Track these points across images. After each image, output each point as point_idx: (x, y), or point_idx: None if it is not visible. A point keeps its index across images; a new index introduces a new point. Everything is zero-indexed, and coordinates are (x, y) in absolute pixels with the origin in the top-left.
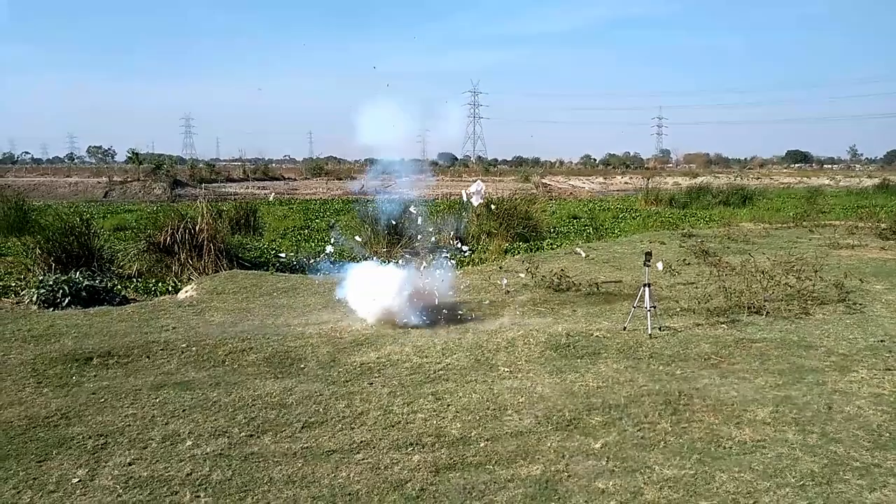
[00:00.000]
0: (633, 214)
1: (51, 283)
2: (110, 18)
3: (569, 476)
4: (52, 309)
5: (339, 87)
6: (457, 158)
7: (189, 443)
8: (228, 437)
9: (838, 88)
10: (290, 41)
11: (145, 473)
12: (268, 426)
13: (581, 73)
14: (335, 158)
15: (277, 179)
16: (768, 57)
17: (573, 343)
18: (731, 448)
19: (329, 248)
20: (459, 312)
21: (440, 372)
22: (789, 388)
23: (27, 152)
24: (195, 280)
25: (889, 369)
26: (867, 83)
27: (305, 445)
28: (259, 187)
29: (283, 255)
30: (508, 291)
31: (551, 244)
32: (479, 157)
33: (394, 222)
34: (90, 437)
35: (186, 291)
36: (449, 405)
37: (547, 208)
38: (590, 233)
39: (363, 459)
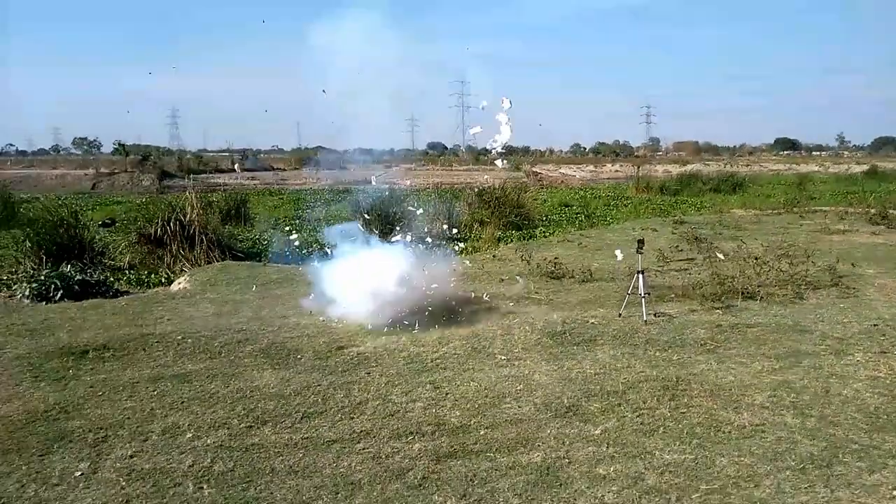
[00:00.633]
0: (625, 202)
1: (42, 277)
2: (93, 8)
3: (569, 462)
4: (44, 303)
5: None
6: (447, 148)
7: (189, 435)
8: (228, 429)
9: (827, 75)
10: (276, 31)
11: (147, 466)
12: (267, 417)
13: (570, 60)
14: (323, 148)
15: (266, 170)
16: (758, 44)
17: (569, 330)
18: (730, 432)
19: (294, 237)
20: (454, 303)
21: (437, 361)
22: (786, 373)
23: (11, 144)
24: (188, 271)
25: (884, 352)
26: (854, 71)
27: (306, 436)
28: (249, 177)
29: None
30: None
31: (544, 232)
32: (469, 146)
33: (387, 211)
34: (90, 431)
35: (179, 283)
36: (447, 394)
37: (538, 196)
38: (582, 220)
39: (364, 449)
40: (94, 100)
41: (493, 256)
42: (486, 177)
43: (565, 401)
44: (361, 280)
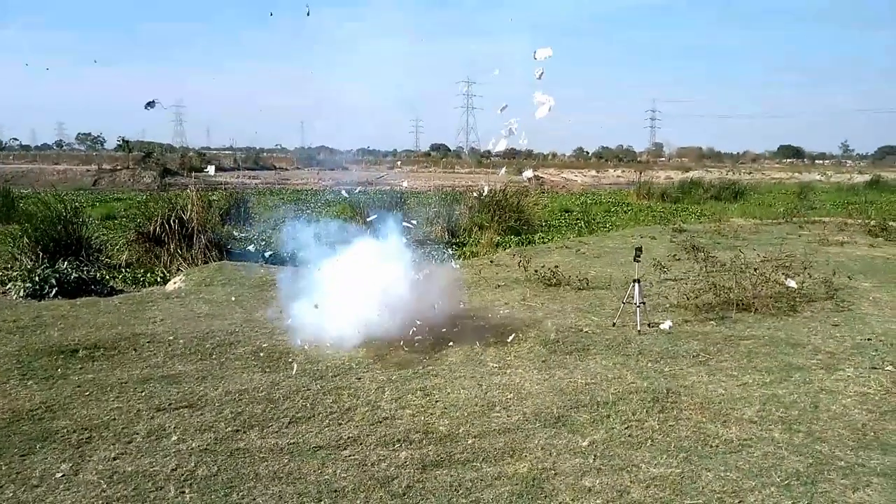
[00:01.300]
0: (625, 208)
1: (37, 274)
2: (102, 4)
3: (556, 474)
4: (38, 300)
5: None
6: (450, 150)
7: (175, 437)
8: (215, 433)
9: (832, 83)
10: (279, 29)
11: (130, 468)
12: (254, 421)
13: (574, 64)
14: (327, 148)
15: (269, 169)
16: (762, 51)
17: (562, 339)
18: (717, 447)
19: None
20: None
21: (429, 367)
22: (776, 387)
23: (15, 139)
24: (184, 271)
25: (875, 368)
26: (860, 79)
27: (292, 441)
28: (250, 176)
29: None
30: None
31: (543, 238)
32: (473, 148)
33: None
34: (75, 431)
35: (175, 283)
36: (437, 401)
37: (539, 202)
38: (581, 227)
39: (350, 456)
40: (98, 95)
41: (491, 262)
42: (483, 184)
43: (555, 411)
44: (351, 295)
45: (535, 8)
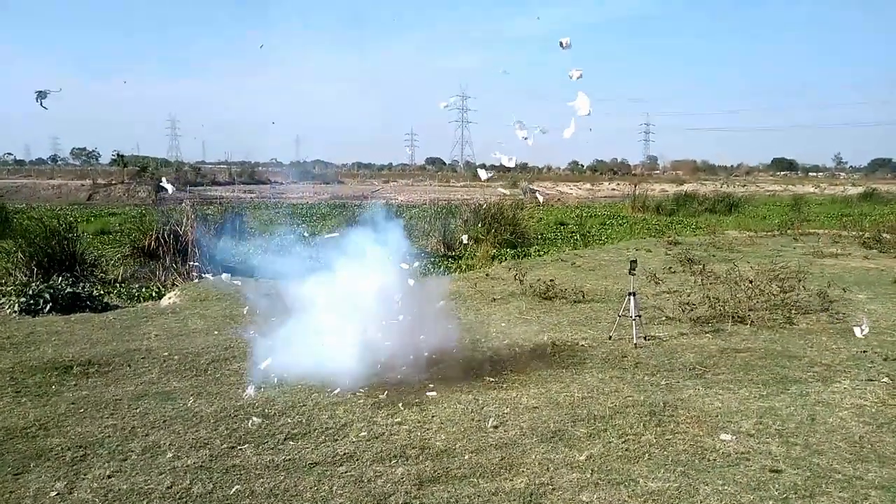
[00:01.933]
0: (620, 221)
1: (32, 289)
2: (95, 17)
3: (553, 489)
4: (32, 315)
5: (326, 91)
6: (445, 163)
7: (170, 455)
8: (210, 449)
9: (824, 96)
10: (278, 44)
11: (125, 486)
12: (250, 437)
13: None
14: (322, 162)
15: (264, 183)
16: (755, 64)
17: (558, 353)
18: (714, 460)
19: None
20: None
21: (426, 381)
22: (773, 399)
23: (9, 153)
24: (179, 286)
25: (871, 380)
26: (853, 91)
27: (288, 457)
28: (245, 191)
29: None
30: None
31: (538, 251)
32: (468, 161)
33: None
34: (69, 449)
35: (170, 298)
36: (434, 416)
37: (534, 215)
38: (577, 240)
39: (346, 472)
40: (93, 108)
41: (487, 275)
42: (479, 196)
43: (551, 425)
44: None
45: (531, 13)
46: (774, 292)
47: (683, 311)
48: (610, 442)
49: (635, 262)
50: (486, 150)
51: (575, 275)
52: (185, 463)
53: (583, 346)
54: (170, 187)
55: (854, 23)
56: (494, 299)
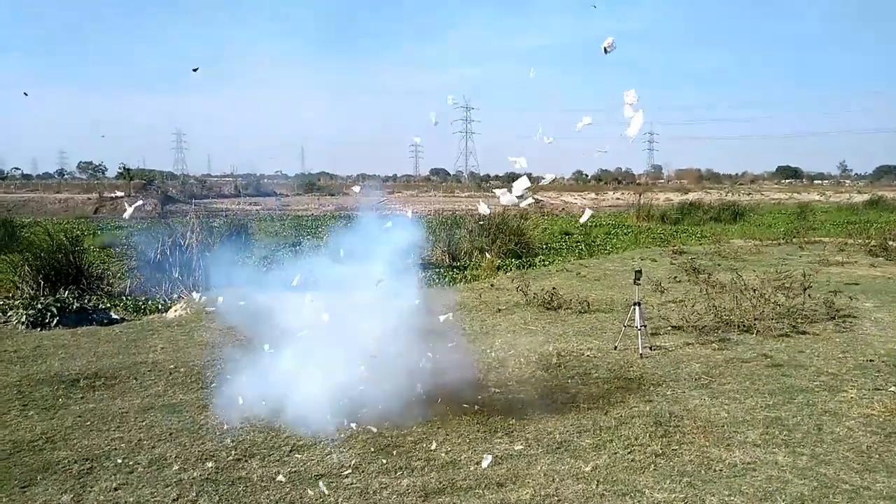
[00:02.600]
0: (625, 230)
1: (39, 303)
2: (101, 32)
3: (559, 500)
4: (39, 329)
5: (330, 104)
6: (449, 174)
7: (176, 467)
8: (216, 462)
9: (829, 104)
10: (280, 57)
11: (131, 499)
12: (255, 450)
13: (572, 87)
14: (327, 174)
15: (269, 195)
16: (759, 72)
17: (564, 363)
18: (721, 471)
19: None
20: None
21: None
22: (779, 409)
23: (17, 168)
24: (185, 298)
25: (878, 389)
26: (857, 98)
27: (294, 469)
28: (251, 203)
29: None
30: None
31: (543, 261)
32: (472, 172)
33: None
34: (76, 462)
35: (175, 310)
36: (439, 427)
37: (539, 224)
38: (582, 249)
39: (352, 484)
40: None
41: (492, 285)
42: (482, 204)
43: (557, 436)
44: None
45: (532, 28)
46: (780, 301)
47: (689, 321)
48: (615, 453)
49: (640, 272)
50: (492, 163)
51: (580, 285)
52: (192, 475)
53: (588, 356)
54: (130, 210)
55: (856, 28)
56: (499, 310)
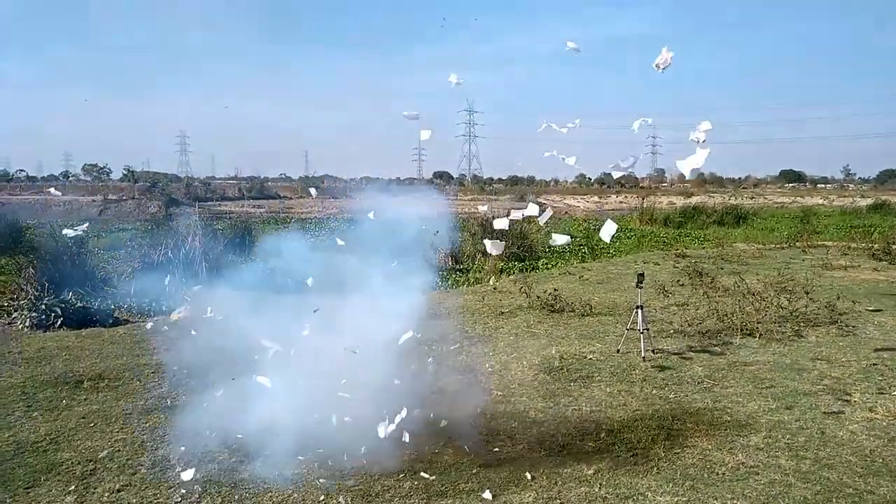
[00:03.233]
0: (628, 234)
1: (43, 305)
2: (106, 36)
3: (561, 503)
4: (43, 330)
5: (333, 106)
6: (452, 177)
7: (179, 468)
8: (218, 463)
9: (832, 108)
10: (284, 61)
11: (134, 500)
12: (259, 451)
13: (575, 91)
14: (331, 176)
15: (273, 198)
16: (762, 76)
17: (566, 366)
18: (724, 474)
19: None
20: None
21: (433, 396)
22: (782, 413)
23: (22, 170)
24: (189, 300)
25: (881, 393)
26: (861, 102)
27: (296, 471)
28: (255, 205)
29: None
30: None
31: (546, 264)
32: (475, 175)
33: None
34: (79, 463)
35: (179, 312)
36: (441, 429)
37: (541, 228)
38: (584, 252)
39: (354, 486)
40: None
41: (495, 288)
42: (483, 207)
43: (559, 439)
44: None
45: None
46: (783, 305)
47: (691, 324)
48: (618, 456)
49: (643, 275)
50: (495, 166)
51: (583, 288)
52: (195, 477)
53: (591, 359)
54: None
55: (858, 33)
56: (502, 312)
